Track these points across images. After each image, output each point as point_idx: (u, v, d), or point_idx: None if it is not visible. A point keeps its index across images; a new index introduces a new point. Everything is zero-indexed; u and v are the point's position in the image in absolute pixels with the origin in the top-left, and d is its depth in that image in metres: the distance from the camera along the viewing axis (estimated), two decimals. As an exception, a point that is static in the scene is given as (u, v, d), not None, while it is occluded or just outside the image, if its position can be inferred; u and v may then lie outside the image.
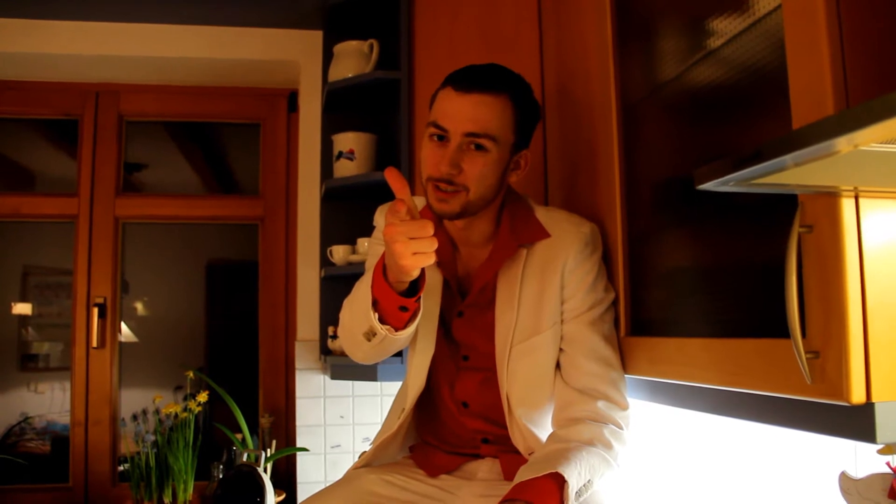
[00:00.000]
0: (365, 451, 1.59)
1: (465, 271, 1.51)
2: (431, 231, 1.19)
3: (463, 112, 1.36)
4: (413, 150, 2.20)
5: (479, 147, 1.36)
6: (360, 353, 1.42)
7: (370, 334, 1.31)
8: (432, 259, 1.20)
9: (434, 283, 1.45)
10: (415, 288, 1.29)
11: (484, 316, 1.47)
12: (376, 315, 1.29)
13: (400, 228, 1.17)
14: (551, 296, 1.44)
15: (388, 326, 1.29)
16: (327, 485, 1.55)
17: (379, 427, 1.65)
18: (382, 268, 1.26)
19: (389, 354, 1.42)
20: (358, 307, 1.34)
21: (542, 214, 1.50)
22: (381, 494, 1.47)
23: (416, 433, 1.63)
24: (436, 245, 1.19)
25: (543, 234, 1.46)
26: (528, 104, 1.45)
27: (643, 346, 1.40)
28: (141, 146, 3.18)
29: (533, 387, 1.45)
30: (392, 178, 1.22)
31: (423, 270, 1.27)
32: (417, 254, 1.18)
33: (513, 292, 1.44)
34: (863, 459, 1.18)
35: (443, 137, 1.38)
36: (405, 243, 1.17)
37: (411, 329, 1.33)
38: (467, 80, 1.38)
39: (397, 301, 1.27)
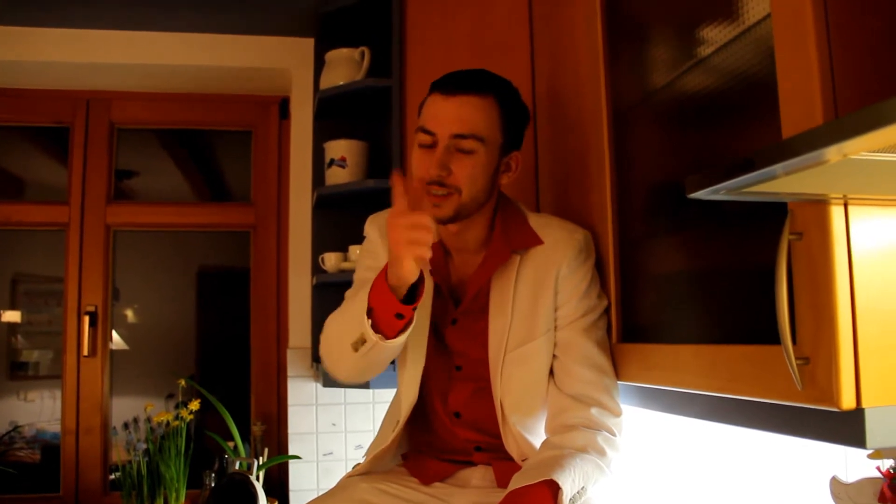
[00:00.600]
0: (359, 464, 1.58)
1: (458, 278, 1.51)
2: (428, 222, 1.21)
3: (449, 114, 1.37)
4: (405, 158, 2.20)
5: (467, 149, 1.37)
6: (343, 365, 1.41)
7: (360, 342, 1.31)
8: (427, 251, 1.22)
9: (425, 292, 1.46)
10: (412, 298, 1.29)
11: (478, 323, 1.46)
12: (370, 322, 1.29)
13: (399, 220, 1.21)
14: (545, 302, 1.44)
15: (379, 335, 1.30)
16: (320, 492, 1.55)
17: (371, 434, 1.65)
18: (384, 275, 1.28)
19: (374, 369, 1.41)
20: (350, 316, 1.34)
21: (535, 221, 1.50)
22: (375, 503, 1.46)
23: (408, 442, 1.63)
24: (432, 235, 1.22)
25: (536, 240, 1.46)
26: (516, 106, 1.46)
27: (635, 353, 1.41)
28: (132, 154, 3.17)
29: (527, 393, 1.45)
30: (396, 183, 1.25)
31: (422, 279, 1.29)
32: (413, 243, 1.20)
33: (506, 299, 1.44)
34: (853, 464, 1.18)
35: (431, 143, 1.39)
36: (401, 230, 1.20)
37: (402, 339, 1.32)
38: (452, 83, 1.40)
39: (395, 308, 1.27)
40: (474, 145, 1.37)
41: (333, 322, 1.42)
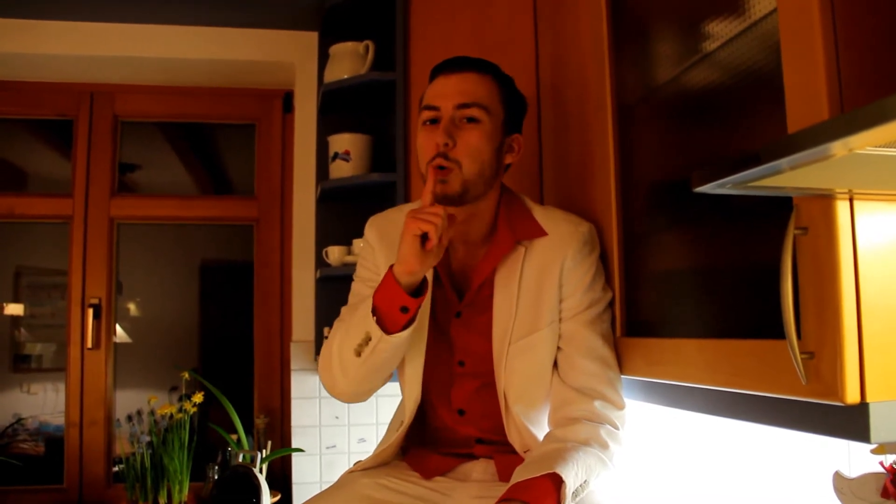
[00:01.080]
0: (360, 461, 1.59)
1: (462, 271, 1.51)
2: (442, 212, 1.29)
3: (452, 88, 1.42)
4: (409, 151, 2.21)
5: (471, 119, 1.40)
6: (344, 378, 1.42)
7: (364, 343, 1.33)
8: (431, 229, 1.26)
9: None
10: (417, 295, 1.32)
11: (482, 316, 1.47)
12: (375, 318, 1.31)
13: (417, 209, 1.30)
14: (549, 294, 1.44)
15: (383, 331, 1.32)
16: (322, 485, 1.55)
17: (374, 427, 1.66)
18: (391, 272, 1.32)
19: (375, 378, 1.44)
20: (354, 322, 1.37)
21: (540, 213, 1.50)
22: (376, 498, 1.46)
23: (410, 438, 1.62)
24: (440, 220, 1.27)
25: (541, 232, 1.47)
26: (513, 90, 1.50)
27: (639, 347, 1.41)
28: (135, 147, 3.17)
29: (530, 384, 1.45)
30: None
31: (425, 280, 1.33)
32: (421, 221, 1.27)
33: (511, 289, 1.44)
34: (856, 459, 1.19)
35: (436, 120, 1.41)
36: (415, 213, 1.28)
37: (405, 335, 1.34)
38: (451, 64, 1.45)
39: (400, 300, 1.30)
40: (478, 113, 1.40)
41: (335, 336, 1.44)
